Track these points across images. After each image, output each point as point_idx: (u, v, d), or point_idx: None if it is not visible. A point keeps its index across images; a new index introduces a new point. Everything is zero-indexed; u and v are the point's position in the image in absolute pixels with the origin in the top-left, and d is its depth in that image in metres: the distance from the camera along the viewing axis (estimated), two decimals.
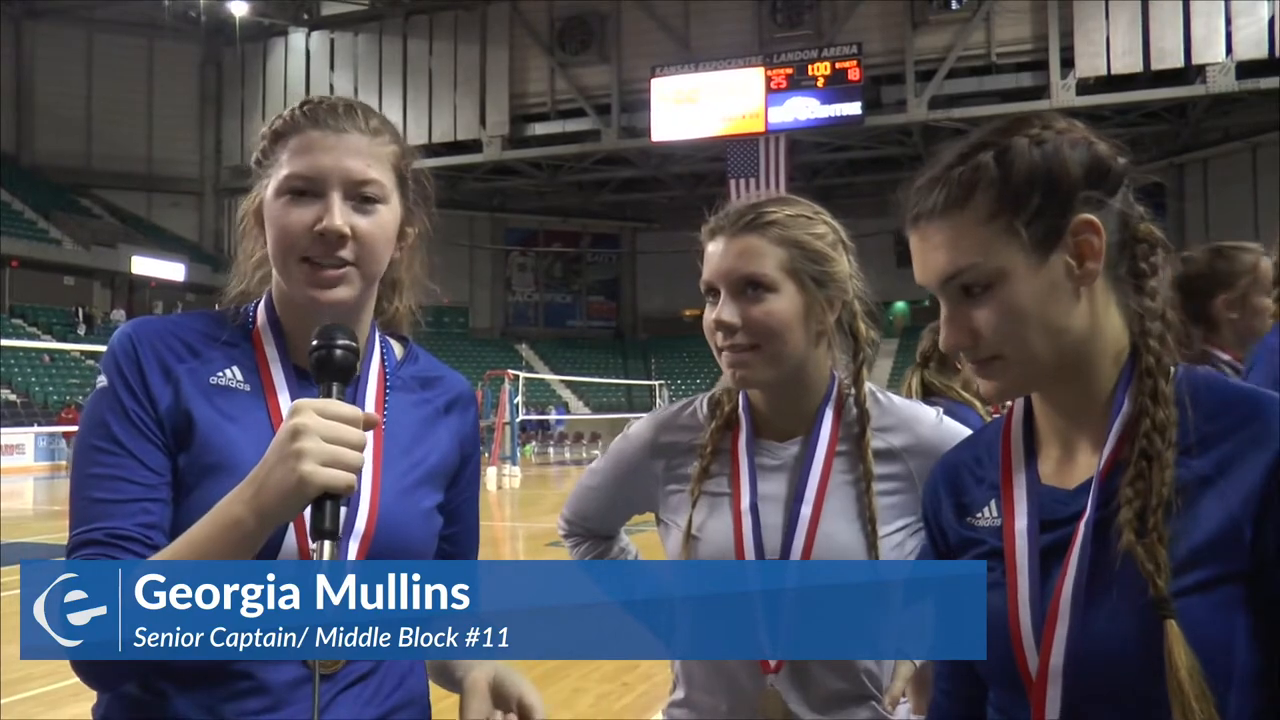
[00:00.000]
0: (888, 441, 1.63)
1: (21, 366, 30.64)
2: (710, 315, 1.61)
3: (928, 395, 3.55)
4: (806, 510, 1.59)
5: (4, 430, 24.60)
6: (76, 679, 1.21)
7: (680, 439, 1.72)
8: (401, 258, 1.47)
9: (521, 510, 17.05)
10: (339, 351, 1.23)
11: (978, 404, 3.47)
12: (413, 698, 1.40)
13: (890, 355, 36.90)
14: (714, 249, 1.62)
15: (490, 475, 19.82)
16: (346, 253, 1.34)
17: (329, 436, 1.15)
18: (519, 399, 23.00)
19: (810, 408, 1.66)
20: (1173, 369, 1.15)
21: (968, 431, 1.63)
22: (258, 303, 1.45)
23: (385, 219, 1.38)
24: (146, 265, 36.61)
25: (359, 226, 1.34)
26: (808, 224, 1.62)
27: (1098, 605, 1.10)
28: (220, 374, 1.37)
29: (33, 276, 34.24)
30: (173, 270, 36.97)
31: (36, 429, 25.65)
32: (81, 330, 33.76)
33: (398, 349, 1.53)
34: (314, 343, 1.25)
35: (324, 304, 1.34)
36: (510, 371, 23.62)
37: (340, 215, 1.33)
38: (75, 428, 1.36)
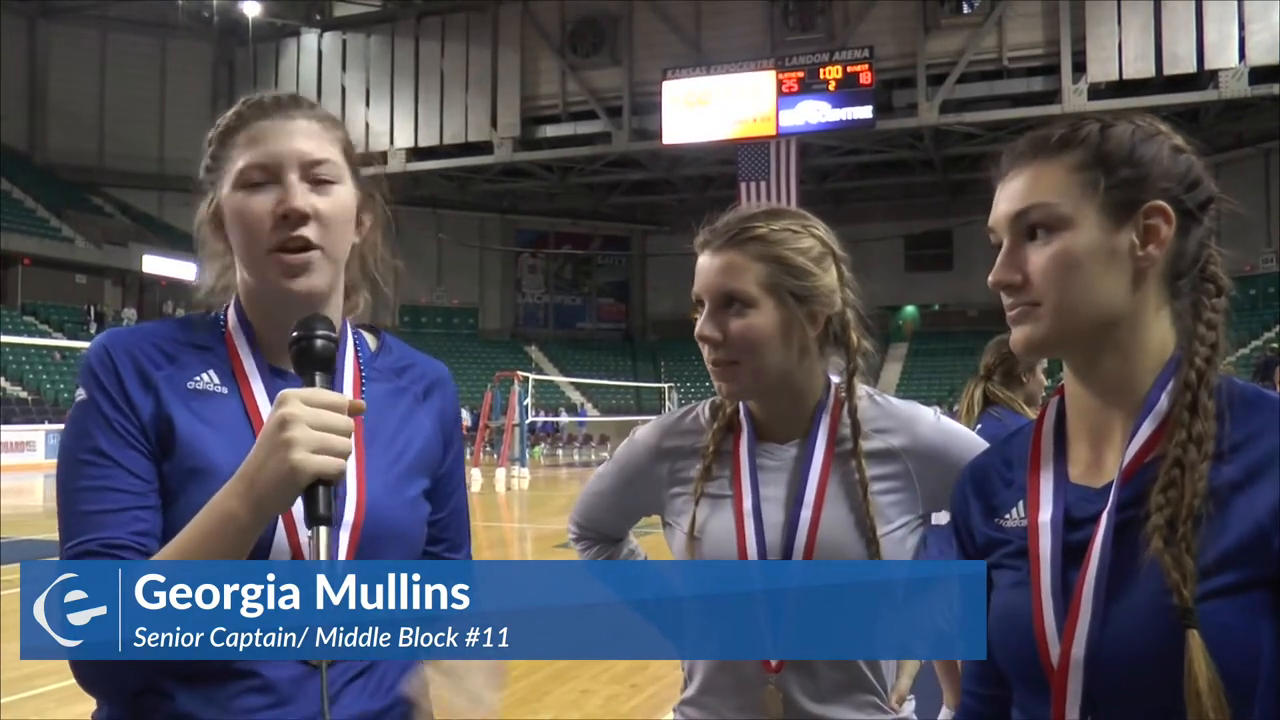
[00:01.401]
0: (887, 442, 1.65)
1: (33, 364, 30.81)
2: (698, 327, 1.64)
3: (988, 405, 3.60)
4: (806, 512, 1.60)
5: (15, 427, 24.72)
6: None
7: (684, 443, 1.74)
8: (361, 247, 1.47)
9: (530, 512, 17.07)
10: (319, 341, 1.23)
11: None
12: None
13: (899, 360, 36.87)
14: (702, 262, 1.65)
15: (499, 477, 19.86)
16: (309, 231, 1.34)
17: (317, 424, 1.15)
18: (528, 401, 23.00)
19: (805, 413, 1.67)
20: (1216, 382, 1.17)
21: (966, 429, 1.68)
22: (227, 306, 1.45)
23: (343, 199, 1.39)
24: (158, 264, 36.72)
25: (319, 206, 1.35)
26: (793, 238, 1.63)
27: (1121, 601, 1.12)
28: (197, 378, 1.36)
29: (45, 274, 34.44)
30: (184, 269, 36.94)
31: (47, 426, 25.72)
32: (93, 328, 33.85)
33: (371, 341, 1.53)
34: (294, 334, 1.24)
35: (296, 294, 1.34)
36: (520, 373, 23.61)
37: (300, 196, 1.34)
38: None
